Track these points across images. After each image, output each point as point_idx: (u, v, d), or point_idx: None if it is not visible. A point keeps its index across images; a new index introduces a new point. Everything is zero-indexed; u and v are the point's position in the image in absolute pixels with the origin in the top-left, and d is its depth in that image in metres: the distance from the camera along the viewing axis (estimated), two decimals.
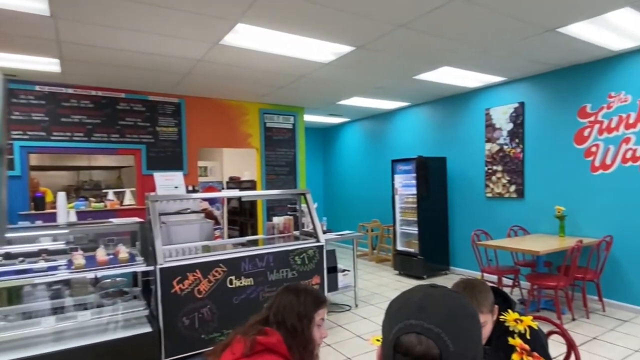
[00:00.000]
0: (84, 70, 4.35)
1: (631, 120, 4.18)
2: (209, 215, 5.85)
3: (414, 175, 5.94)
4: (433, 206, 6.02)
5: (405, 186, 6.26)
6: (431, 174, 5.98)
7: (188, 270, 3.09)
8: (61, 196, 3.88)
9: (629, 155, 4.22)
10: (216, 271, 3.18)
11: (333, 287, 4.38)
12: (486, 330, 1.34)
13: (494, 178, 5.58)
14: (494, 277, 4.57)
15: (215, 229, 5.87)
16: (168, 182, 3.79)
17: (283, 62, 4.19)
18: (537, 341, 1.34)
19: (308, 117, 7.65)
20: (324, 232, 4.39)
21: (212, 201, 6.76)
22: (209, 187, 7.38)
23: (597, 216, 4.50)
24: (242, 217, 6.89)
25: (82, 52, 3.78)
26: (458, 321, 0.66)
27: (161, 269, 2.97)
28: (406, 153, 6.85)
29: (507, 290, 4.99)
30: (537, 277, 4.12)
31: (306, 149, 7.55)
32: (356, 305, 4.68)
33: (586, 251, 4.25)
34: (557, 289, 3.88)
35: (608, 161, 4.38)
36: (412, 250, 6.08)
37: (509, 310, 1.20)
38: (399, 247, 6.33)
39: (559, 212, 4.61)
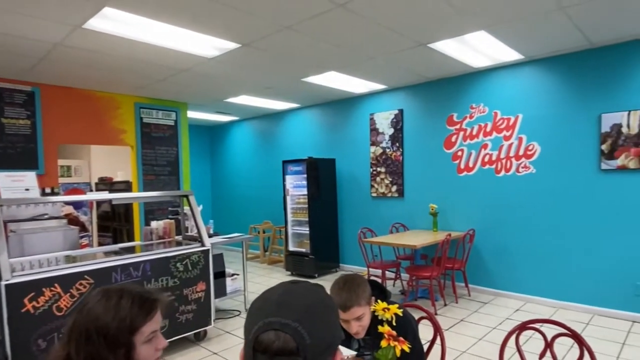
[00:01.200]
0: None
1: (488, 129, 4.90)
2: (73, 221, 5.14)
3: (305, 176, 6.07)
4: (323, 206, 6.23)
5: (296, 187, 6.35)
6: (321, 175, 6.18)
7: (44, 284, 2.64)
8: None
9: (487, 159, 4.93)
10: (80, 284, 2.77)
11: (221, 292, 4.21)
12: (365, 321, 1.45)
13: (378, 179, 6.01)
14: (379, 271, 4.90)
15: (82, 237, 5.17)
16: (16, 183, 3.19)
17: (161, 53, 3.89)
18: (408, 326, 1.48)
19: (193, 114, 7.26)
20: (210, 236, 4.19)
21: (77, 205, 5.95)
22: (73, 189, 6.49)
23: (463, 212, 5.16)
24: (115, 223, 6.20)
25: None
26: (316, 314, 0.70)
27: (7, 286, 2.48)
28: (297, 154, 6.97)
29: (389, 282, 5.42)
30: (414, 269, 4.55)
31: (191, 147, 7.16)
32: (246, 310, 4.57)
33: (454, 244, 4.86)
34: (431, 278, 4.33)
35: (471, 164, 5.06)
36: (303, 250, 6.19)
37: (378, 301, 1.29)
38: (291, 248, 6.39)
39: (432, 209, 5.17)
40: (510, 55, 4.31)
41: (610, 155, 4.04)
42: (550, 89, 4.42)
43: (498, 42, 3.88)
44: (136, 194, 4.73)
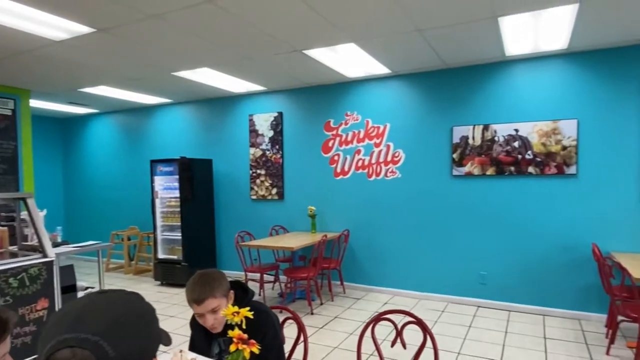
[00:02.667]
0: None
1: (361, 136, 5.33)
2: None
3: (177, 177, 5.77)
4: (199, 209, 6.00)
5: (167, 189, 5.99)
6: (196, 176, 5.95)
7: None
8: None
9: (360, 164, 5.35)
10: None
11: None
12: (221, 315, 1.47)
13: (258, 181, 6.03)
14: (257, 275, 4.92)
15: None
16: None
17: None
18: (268, 325, 1.56)
19: (38, 103, 6.33)
20: (57, 245, 3.71)
21: None
22: None
23: (339, 214, 5.51)
24: None
25: None
26: (124, 325, 0.69)
27: None
28: (169, 153, 6.59)
29: (268, 285, 5.49)
30: (292, 270, 4.69)
31: (36, 142, 6.21)
32: None
33: (330, 244, 5.15)
34: (308, 279, 4.52)
35: (346, 168, 5.43)
36: (175, 257, 5.87)
37: (229, 306, 1.33)
38: (161, 255, 6.01)
39: (311, 211, 5.40)
40: (380, 69, 4.76)
41: (460, 162, 4.75)
42: (413, 102, 5.01)
43: (368, 55, 4.25)
44: None
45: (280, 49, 4.00)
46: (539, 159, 4.35)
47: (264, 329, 1.56)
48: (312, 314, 4.51)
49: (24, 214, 3.58)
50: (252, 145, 6.06)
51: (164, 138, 6.87)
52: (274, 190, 5.92)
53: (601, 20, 3.38)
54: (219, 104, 6.35)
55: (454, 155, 4.77)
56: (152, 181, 6.04)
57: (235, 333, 1.24)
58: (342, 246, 5.19)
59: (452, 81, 4.79)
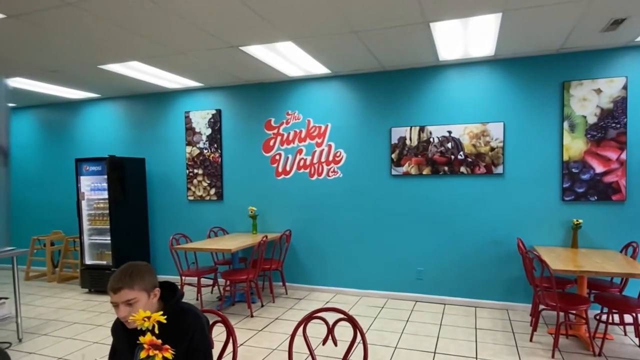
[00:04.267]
0: None
1: (302, 135, 5.37)
2: None
3: (106, 177, 5.47)
4: (130, 211, 5.73)
5: (95, 189, 5.66)
6: (128, 176, 5.68)
7: None
8: None
9: (302, 163, 5.39)
10: None
11: None
12: (137, 308, 1.47)
13: (195, 181, 5.88)
14: (195, 279, 4.80)
15: None
16: None
17: None
18: (195, 326, 1.55)
19: None
20: None
21: None
22: None
23: (281, 214, 5.51)
24: None
25: None
26: None
27: None
28: (97, 152, 6.24)
29: (207, 289, 5.37)
30: (230, 273, 4.63)
31: None
32: (19, 340, 3.85)
33: (272, 245, 5.14)
34: (248, 281, 4.49)
35: (288, 168, 5.45)
36: (104, 262, 5.56)
37: (140, 310, 1.30)
38: (88, 261, 5.66)
39: (251, 212, 5.36)
40: (319, 68, 4.83)
41: (398, 163, 4.94)
42: (353, 103, 5.14)
43: (307, 55, 4.30)
44: None
45: (215, 44, 3.93)
46: (469, 160, 4.65)
47: (192, 331, 1.54)
48: (252, 316, 4.48)
49: None
50: (189, 143, 5.90)
51: (92, 135, 6.48)
52: (213, 191, 5.80)
53: (522, 30, 3.68)
54: (153, 99, 6.10)
55: (393, 156, 4.96)
56: (77, 181, 5.67)
57: (146, 339, 1.21)
58: (284, 246, 5.20)
59: (390, 83, 4.97)
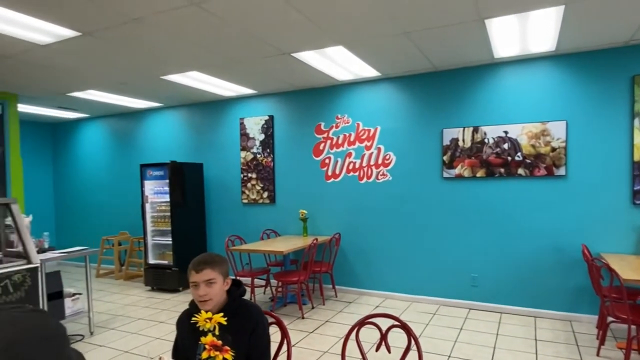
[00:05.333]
0: None
1: (352, 139, 5.32)
2: None
3: (167, 181, 5.73)
4: (189, 214, 5.96)
5: (157, 193, 5.95)
6: (187, 180, 5.91)
7: None
8: None
9: (351, 167, 5.33)
10: None
11: (59, 315, 3.69)
12: (214, 291, 1.58)
13: (249, 185, 6.00)
14: (248, 280, 4.89)
15: None
16: None
17: None
18: (258, 320, 1.60)
19: (27, 108, 6.27)
20: (44, 251, 3.66)
21: None
22: None
23: (330, 217, 5.48)
24: None
25: None
26: (20, 349, 0.59)
27: None
28: (159, 157, 6.55)
29: (260, 289, 5.45)
30: (282, 274, 4.65)
31: (25, 147, 6.16)
32: (91, 333, 4.09)
33: (321, 247, 5.12)
34: (299, 283, 4.49)
35: (337, 171, 5.42)
36: (166, 262, 5.82)
37: (202, 312, 1.39)
38: (151, 261, 5.95)
39: (302, 215, 5.38)
40: (369, 71, 4.76)
41: (450, 165, 4.75)
42: (403, 105, 5.01)
43: (357, 58, 4.25)
44: None
45: (269, 52, 3.99)
46: (528, 161, 4.37)
47: (254, 322, 1.59)
48: (303, 318, 4.48)
49: (9, 220, 3.53)
50: (243, 148, 6.04)
51: (155, 142, 6.83)
52: (265, 194, 5.89)
53: (587, 22, 3.40)
54: (210, 107, 6.32)
55: (444, 158, 4.77)
56: (142, 185, 5.99)
57: (208, 339, 1.22)
58: (334, 249, 5.16)
59: (442, 84, 4.79)
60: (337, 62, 4.41)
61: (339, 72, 4.80)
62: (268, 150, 5.85)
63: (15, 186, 5.45)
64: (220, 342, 1.22)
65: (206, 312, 1.35)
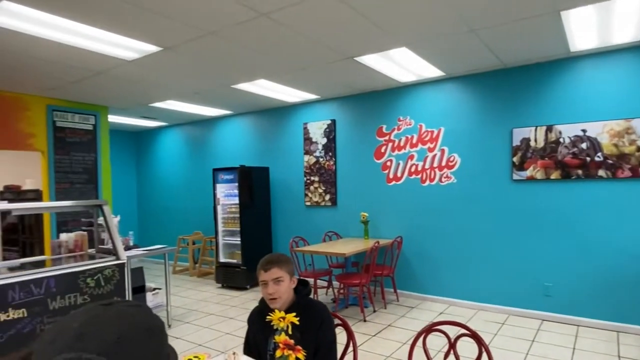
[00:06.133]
0: None
1: (414, 141, 5.17)
2: None
3: (237, 184, 5.96)
4: (256, 215, 6.15)
5: (227, 196, 6.21)
6: (254, 184, 6.11)
7: None
8: None
9: (413, 169, 5.18)
10: None
11: None
12: (282, 288, 1.63)
13: (312, 188, 6.06)
14: (311, 280, 4.92)
15: None
16: None
17: (72, 53, 3.64)
18: (324, 316, 1.62)
19: (115, 118, 6.85)
20: (129, 248, 3.95)
21: None
22: None
23: (391, 220, 5.37)
24: (24, 236, 5.64)
25: None
26: (130, 342, 0.59)
27: None
28: (229, 162, 6.83)
29: (322, 290, 5.47)
30: (344, 276, 4.63)
31: (114, 154, 6.73)
32: (169, 326, 4.35)
33: (383, 251, 5.02)
34: (361, 285, 4.43)
35: (399, 174, 5.29)
36: (235, 261, 6.05)
37: (275, 311, 1.39)
38: (222, 259, 6.22)
39: (363, 217, 5.32)
40: (432, 71, 4.60)
41: (521, 166, 4.44)
42: (469, 105, 4.78)
43: (420, 59, 4.12)
44: (37, 204, 4.28)
45: (333, 57, 4.00)
46: (610, 161, 3.95)
47: (320, 319, 1.61)
48: (364, 321, 4.41)
49: (101, 220, 3.87)
50: (306, 152, 6.11)
51: (225, 147, 7.15)
52: (327, 197, 5.91)
53: None
54: (275, 113, 6.49)
55: (514, 159, 4.47)
56: (214, 188, 6.29)
57: (281, 338, 1.23)
58: (395, 253, 5.04)
59: (511, 81, 4.50)
60: (400, 64, 4.31)
61: (401, 74, 4.69)
62: (330, 153, 5.87)
63: (105, 189, 5.98)
64: (292, 341, 1.23)
65: (275, 310, 1.37)
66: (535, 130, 4.34)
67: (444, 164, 4.95)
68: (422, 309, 4.80)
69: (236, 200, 6.00)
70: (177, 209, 7.92)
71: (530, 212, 4.41)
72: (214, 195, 6.29)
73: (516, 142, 4.45)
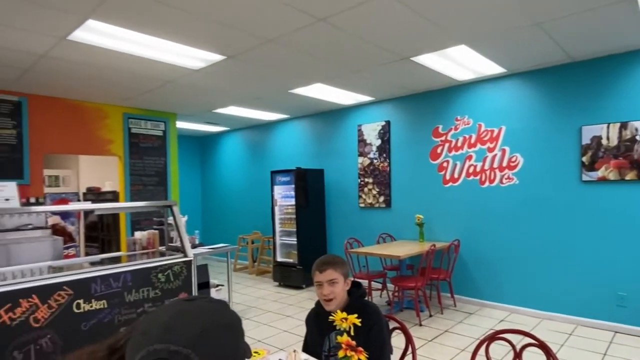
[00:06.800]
0: None
1: (472, 141, 4.95)
2: (59, 231, 5.06)
3: (293, 186, 6.07)
4: (311, 216, 6.22)
5: (284, 197, 6.34)
6: (310, 185, 6.18)
7: (21, 295, 2.58)
8: None
9: (471, 170, 4.96)
10: (59, 295, 2.72)
11: None
12: (337, 290, 1.64)
13: (365, 189, 6.02)
14: (365, 282, 4.88)
15: (69, 247, 5.08)
16: None
17: (146, 64, 3.90)
18: (375, 320, 1.60)
19: (182, 124, 7.26)
20: (195, 246, 4.16)
21: (64, 215, 5.87)
22: (61, 200, 6.40)
23: (448, 223, 5.17)
24: (103, 233, 6.13)
25: None
26: (213, 337, 0.63)
27: None
28: (286, 164, 6.97)
29: (376, 292, 5.40)
30: (399, 279, 4.53)
31: (181, 158, 7.14)
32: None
33: (439, 254, 4.86)
34: (416, 289, 4.32)
35: (456, 175, 5.09)
36: (291, 260, 6.15)
37: (338, 312, 1.40)
38: (279, 259, 6.35)
39: (418, 220, 5.18)
40: (493, 68, 4.38)
41: (591, 166, 4.09)
42: (532, 102, 4.49)
43: (479, 56, 3.94)
44: (116, 204, 4.67)
45: (388, 58, 3.94)
46: None
47: (372, 322, 1.58)
48: (420, 325, 4.29)
49: (170, 219, 4.11)
50: (361, 154, 6.08)
51: (282, 150, 7.31)
52: (381, 199, 5.83)
53: None
54: (330, 116, 6.52)
55: (584, 159, 4.13)
56: (272, 190, 6.46)
57: (343, 339, 1.23)
58: (452, 257, 4.84)
59: (580, 76, 4.17)
60: (457, 62, 4.15)
61: (459, 72, 4.51)
62: (384, 155, 5.79)
63: (173, 190, 6.36)
64: (354, 342, 1.23)
65: (337, 311, 1.38)
66: (608, 127, 3.98)
67: (504, 164, 4.68)
68: (481, 315, 4.57)
69: (292, 201, 6.10)
70: (238, 209, 8.22)
71: (602, 215, 4.05)
72: (272, 196, 6.45)
73: (585, 140, 4.11)
